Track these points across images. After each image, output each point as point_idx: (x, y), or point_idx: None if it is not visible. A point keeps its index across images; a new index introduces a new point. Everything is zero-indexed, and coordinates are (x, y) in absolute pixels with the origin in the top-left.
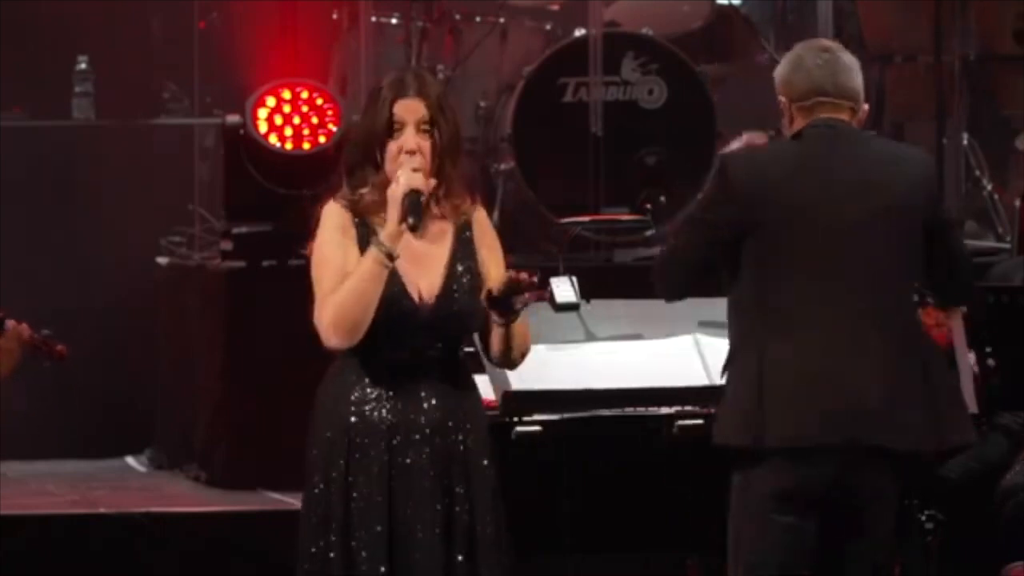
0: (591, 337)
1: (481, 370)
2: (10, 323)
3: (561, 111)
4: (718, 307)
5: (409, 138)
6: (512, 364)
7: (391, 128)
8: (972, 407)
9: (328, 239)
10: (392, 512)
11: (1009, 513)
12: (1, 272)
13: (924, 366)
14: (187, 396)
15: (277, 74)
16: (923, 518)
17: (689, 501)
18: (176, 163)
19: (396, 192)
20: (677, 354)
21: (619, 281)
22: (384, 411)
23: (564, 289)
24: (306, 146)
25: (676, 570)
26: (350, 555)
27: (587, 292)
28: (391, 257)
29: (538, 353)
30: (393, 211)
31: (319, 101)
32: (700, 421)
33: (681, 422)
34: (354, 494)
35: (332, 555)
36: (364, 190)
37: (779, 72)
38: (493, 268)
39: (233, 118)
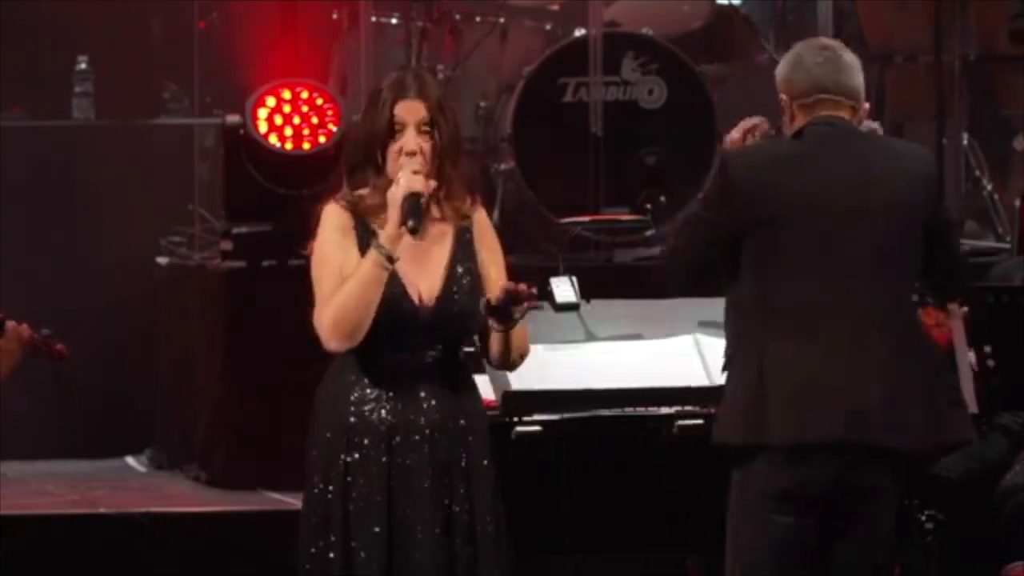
0: (591, 337)
1: (481, 370)
2: (10, 323)
3: (561, 111)
4: (718, 307)
5: (410, 139)
6: (511, 367)
7: (392, 129)
8: (972, 407)
9: (328, 239)
10: (391, 513)
11: (1009, 513)
12: (1, 272)
13: (924, 366)
14: (187, 396)
15: (277, 74)
16: (923, 518)
17: (689, 501)
18: (176, 163)
19: (396, 194)
20: (677, 354)
21: (619, 281)
22: (384, 412)
23: (564, 289)
24: (306, 146)
25: (676, 570)
26: (349, 555)
27: (587, 292)
28: (391, 260)
29: (538, 353)
30: (393, 214)
31: (319, 101)
32: (700, 421)
33: (681, 422)
34: (353, 494)
35: (331, 555)
36: (364, 191)
37: (780, 70)
38: (493, 269)
39: (233, 118)
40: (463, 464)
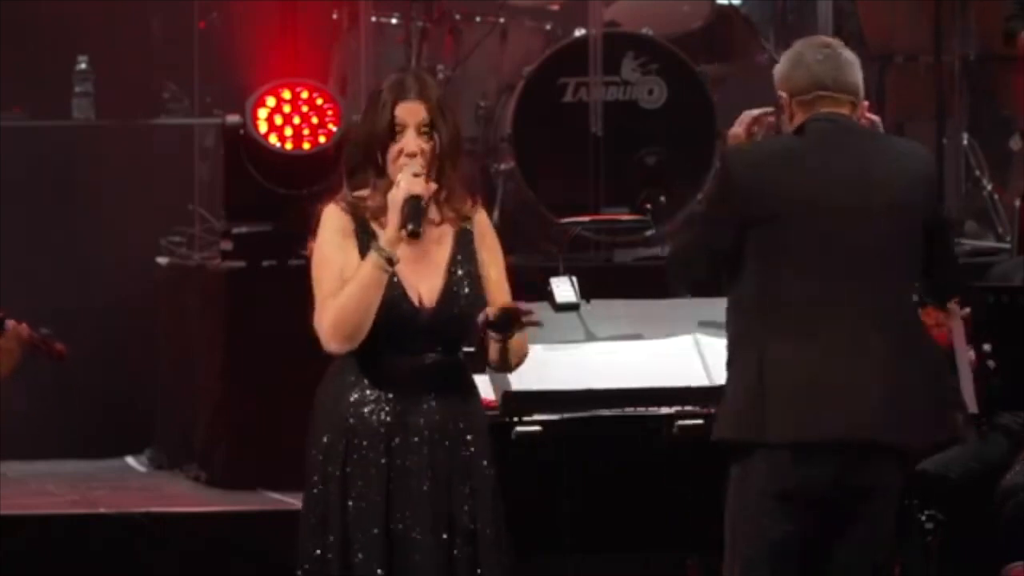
0: (591, 337)
1: (481, 370)
2: (10, 323)
3: (561, 111)
4: (718, 307)
5: (410, 141)
6: (510, 371)
7: (392, 131)
8: (972, 407)
9: (328, 240)
10: (390, 514)
11: (1009, 513)
12: (1, 272)
13: (924, 366)
14: (187, 396)
15: (277, 74)
16: (923, 518)
17: (689, 501)
18: (176, 163)
19: (396, 197)
20: (677, 354)
21: (619, 281)
22: (383, 413)
23: (564, 289)
24: (306, 146)
25: (676, 570)
26: (348, 556)
27: (587, 292)
28: (391, 262)
29: (538, 353)
30: (393, 216)
31: (319, 101)
32: (700, 421)
33: (681, 422)
34: (352, 495)
35: (330, 556)
36: (365, 192)
37: (779, 68)
38: (493, 270)
39: (233, 118)
40: (463, 465)
